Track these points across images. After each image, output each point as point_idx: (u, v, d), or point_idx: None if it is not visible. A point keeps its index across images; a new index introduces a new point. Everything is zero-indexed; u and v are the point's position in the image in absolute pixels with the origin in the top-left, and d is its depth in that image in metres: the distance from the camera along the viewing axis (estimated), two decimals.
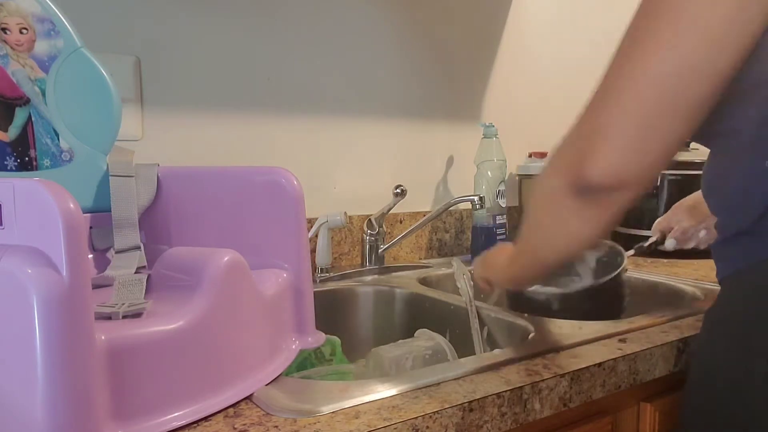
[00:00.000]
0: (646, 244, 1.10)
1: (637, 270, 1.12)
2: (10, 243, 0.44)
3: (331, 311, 0.99)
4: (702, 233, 1.07)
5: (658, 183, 1.33)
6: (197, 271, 0.53)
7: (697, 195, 1.00)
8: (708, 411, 0.58)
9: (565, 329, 0.74)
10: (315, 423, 0.49)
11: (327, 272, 1.05)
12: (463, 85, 1.32)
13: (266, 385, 0.56)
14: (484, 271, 0.82)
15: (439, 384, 0.57)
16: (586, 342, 0.70)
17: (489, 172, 1.20)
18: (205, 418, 0.50)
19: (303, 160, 1.12)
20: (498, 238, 1.20)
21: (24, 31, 0.63)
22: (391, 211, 1.13)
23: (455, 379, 0.59)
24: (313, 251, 1.07)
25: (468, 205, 1.20)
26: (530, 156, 1.36)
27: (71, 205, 0.41)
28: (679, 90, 0.50)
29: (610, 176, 0.53)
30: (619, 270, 0.86)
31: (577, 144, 0.56)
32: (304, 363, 0.78)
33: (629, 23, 0.54)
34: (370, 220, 1.12)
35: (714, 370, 0.58)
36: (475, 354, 0.78)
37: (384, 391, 0.55)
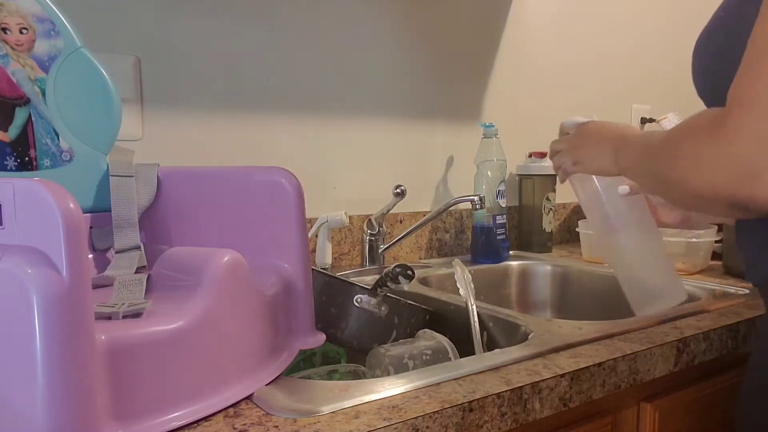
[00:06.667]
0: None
1: None
2: (10, 243, 0.44)
3: None
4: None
5: None
6: (197, 271, 0.53)
7: None
8: None
9: (565, 329, 0.74)
10: (315, 423, 0.49)
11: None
12: (463, 85, 1.32)
13: (266, 385, 0.56)
14: (577, 143, 0.74)
15: (439, 384, 0.57)
16: (586, 342, 0.70)
17: (489, 172, 1.20)
18: (205, 418, 0.50)
19: (303, 160, 1.12)
20: (498, 237, 1.20)
21: (24, 31, 0.63)
22: (391, 211, 1.13)
23: (455, 379, 0.59)
24: (313, 251, 1.07)
25: (468, 205, 1.20)
26: (530, 156, 1.36)
27: (71, 205, 0.41)
28: None
29: None
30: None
31: (743, 158, 0.46)
32: (292, 369, 0.77)
33: None
34: (370, 220, 1.12)
35: None
36: (475, 354, 0.78)
37: (384, 391, 0.55)
